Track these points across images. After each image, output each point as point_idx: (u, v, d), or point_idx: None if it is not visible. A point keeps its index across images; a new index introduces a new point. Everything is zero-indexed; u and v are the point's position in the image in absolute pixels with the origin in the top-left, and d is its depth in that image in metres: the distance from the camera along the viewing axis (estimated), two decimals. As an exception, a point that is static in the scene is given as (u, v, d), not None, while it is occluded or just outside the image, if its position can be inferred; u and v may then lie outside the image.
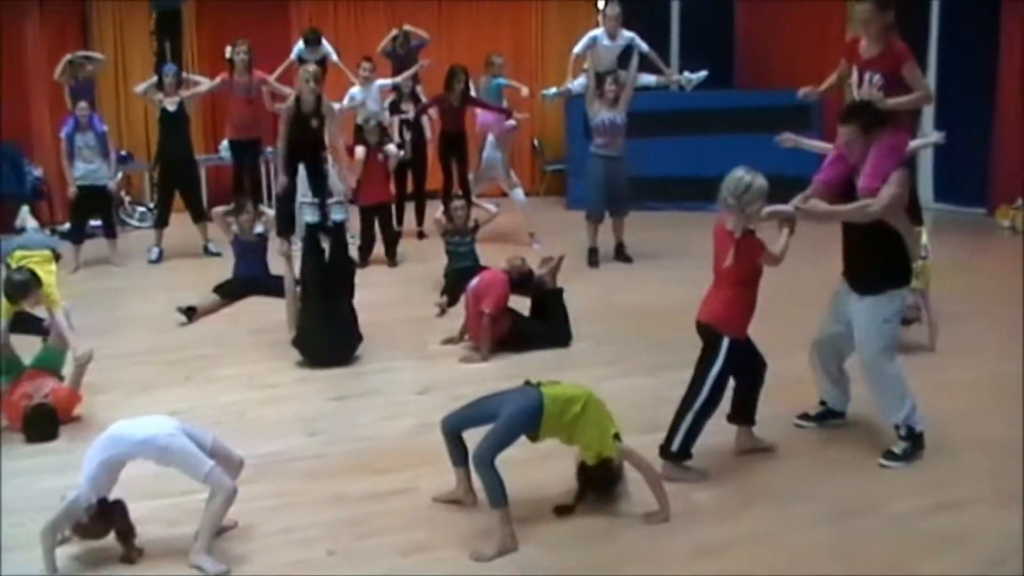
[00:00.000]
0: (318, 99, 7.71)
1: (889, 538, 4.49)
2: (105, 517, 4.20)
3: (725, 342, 4.98)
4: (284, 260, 7.47)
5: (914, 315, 6.82)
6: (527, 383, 4.76)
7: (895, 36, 5.13)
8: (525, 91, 11.45)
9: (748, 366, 5.19)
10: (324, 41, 11.39)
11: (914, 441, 5.23)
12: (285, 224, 7.70)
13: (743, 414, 5.33)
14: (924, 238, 6.48)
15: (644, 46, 10.23)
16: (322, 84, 9.23)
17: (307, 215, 7.06)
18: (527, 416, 4.51)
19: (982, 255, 10.51)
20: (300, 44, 11.21)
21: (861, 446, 5.42)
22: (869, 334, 5.17)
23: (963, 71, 12.06)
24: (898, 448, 5.22)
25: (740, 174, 4.88)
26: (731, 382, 5.13)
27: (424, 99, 11.16)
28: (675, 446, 5.01)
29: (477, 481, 4.52)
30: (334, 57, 11.53)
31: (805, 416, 5.72)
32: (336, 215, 7.11)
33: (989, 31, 11.81)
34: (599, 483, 4.68)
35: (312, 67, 8.26)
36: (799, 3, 13.24)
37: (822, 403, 5.72)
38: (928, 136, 8.32)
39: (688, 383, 5.08)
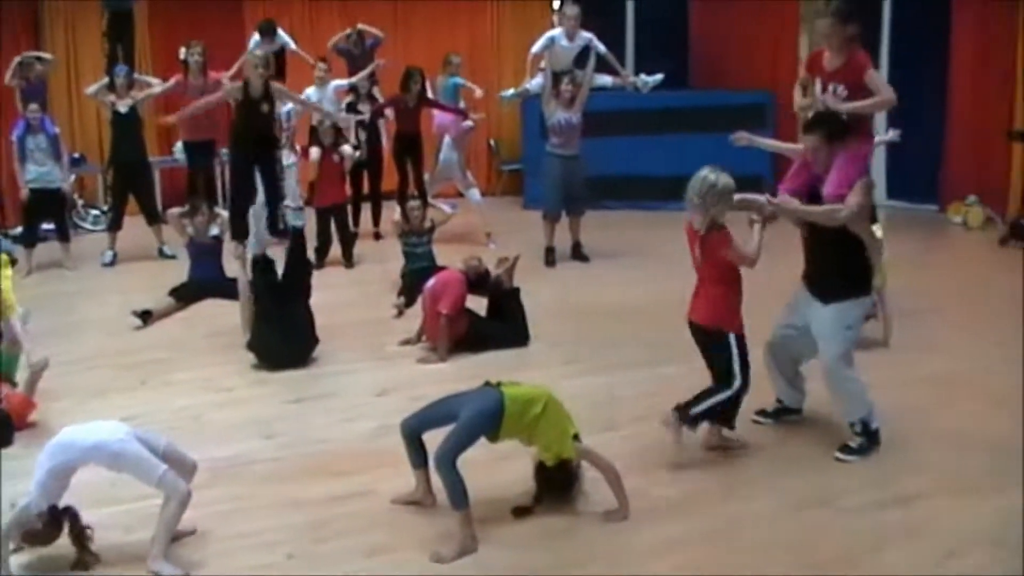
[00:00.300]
0: (266, 84, 7.60)
1: (845, 531, 4.54)
2: (56, 523, 4.15)
3: (732, 337, 5.10)
4: (239, 263, 7.41)
5: (870, 312, 6.89)
6: (487, 384, 4.76)
7: (857, 47, 5.21)
8: (479, 92, 11.48)
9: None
10: (280, 31, 11.31)
11: (869, 436, 5.31)
12: (239, 228, 7.63)
13: (727, 417, 5.35)
14: (879, 234, 6.55)
15: (602, 47, 10.25)
16: (282, 73, 9.17)
17: (251, 249, 7.03)
18: (487, 417, 4.51)
19: (935, 252, 10.66)
20: (255, 36, 11.11)
21: (817, 441, 5.48)
22: (832, 340, 5.23)
23: (915, 70, 12.17)
24: (854, 443, 5.29)
25: (705, 173, 4.99)
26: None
27: (381, 100, 11.10)
28: (694, 411, 5.11)
29: (436, 482, 4.52)
30: (292, 45, 11.46)
31: (762, 413, 5.77)
32: (294, 221, 7.08)
33: (940, 30, 11.94)
34: (557, 483, 4.69)
35: (259, 52, 8.14)
36: (753, 3, 13.33)
37: (778, 401, 5.78)
38: (883, 135, 8.40)
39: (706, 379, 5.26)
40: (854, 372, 5.30)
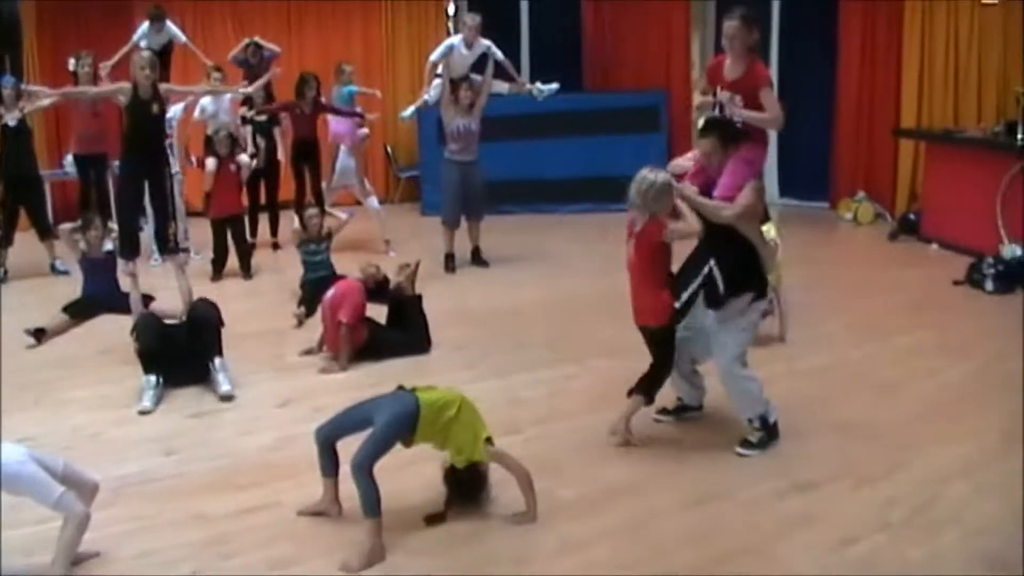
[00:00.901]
0: (154, 85, 7.47)
1: (746, 522, 4.64)
2: None
3: (670, 329, 5.37)
4: (130, 279, 7.27)
5: (767, 309, 7.03)
6: (401, 388, 4.75)
7: (757, 57, 5.32)
8: (379, 93, 11.55)
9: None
10: (170, 23, 11.13)
11: (768, 430, 5.43)
12: (128, 245, 7.45)
13: (650, 392, 5.50)
14: (773, 233, 6.71)
15: (499, 54, 10.24)
16: (166, 70, 8.99)
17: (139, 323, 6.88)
18: (403, 421, 4.51)
19: (827, 248, 10.94)
20: (144, 25, 10.90)
21: (718, 436, 5.59)
22: (726, 342, 5.35)
23: (803, 69, 12.47)
24: (753, 437, 5.41)
25: (644, 174, 5.16)
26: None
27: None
28: (651, 390, 5.49)
29: (343, 492, 4.50)
30: (183, 38, 11.27)
31: (663, 411, 5.86)
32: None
33: (827, 30, 12.23)
34: (467, 487, 4.70)
35: (147, 53, 7.96)
36: (644, 6, 13.52)
37: (679, 399, 5.88)
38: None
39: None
40: (749, 371, 5.42)
